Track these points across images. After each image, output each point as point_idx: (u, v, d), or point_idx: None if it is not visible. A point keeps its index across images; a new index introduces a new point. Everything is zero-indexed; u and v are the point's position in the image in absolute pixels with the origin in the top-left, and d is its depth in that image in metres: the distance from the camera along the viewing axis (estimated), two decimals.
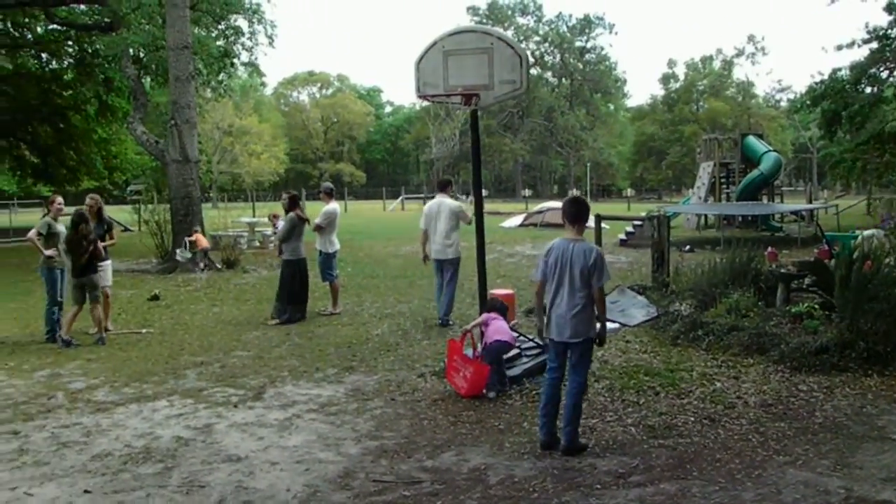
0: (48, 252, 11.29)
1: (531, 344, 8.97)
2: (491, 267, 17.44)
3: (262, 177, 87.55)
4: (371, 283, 16.93)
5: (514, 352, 8.65)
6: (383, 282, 17.03)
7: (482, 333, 8.15)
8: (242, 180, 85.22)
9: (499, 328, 8.09)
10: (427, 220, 12.02)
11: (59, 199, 11.82)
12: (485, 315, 8.27)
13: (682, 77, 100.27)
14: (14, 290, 16.86)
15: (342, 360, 9.67)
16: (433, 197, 12.49)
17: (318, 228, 13.20)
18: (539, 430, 6.42)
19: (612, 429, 6.81)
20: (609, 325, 8.17)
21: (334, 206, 13.43)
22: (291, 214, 12.65)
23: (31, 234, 11.42)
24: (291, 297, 12.55)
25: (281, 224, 12.94)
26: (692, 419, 7.03)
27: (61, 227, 11.47)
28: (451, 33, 8.44)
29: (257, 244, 24.10)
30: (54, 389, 8.60)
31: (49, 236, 11.33)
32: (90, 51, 30.68)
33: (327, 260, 13.26)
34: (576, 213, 6.34)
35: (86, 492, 5.72)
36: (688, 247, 21.92)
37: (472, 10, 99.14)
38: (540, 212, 36.54)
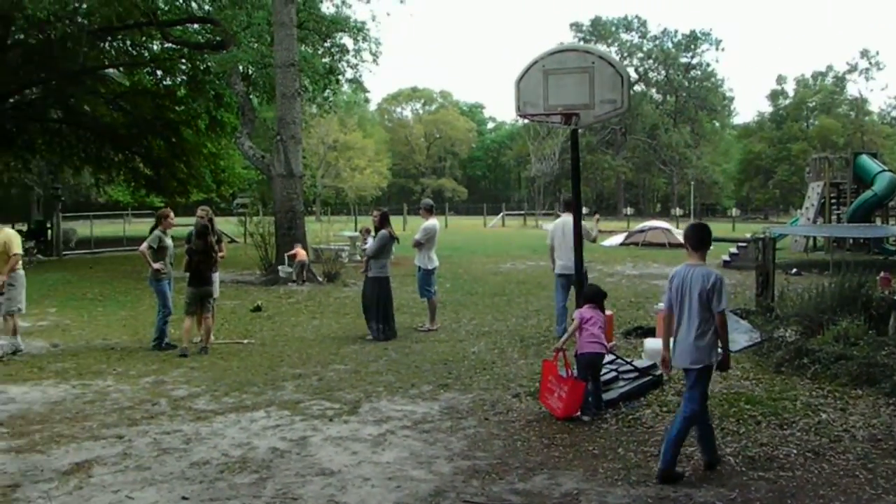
0: (156, 265, 11.71)
1: (629, 367, 8.83)
2: None
3: (364, 191, 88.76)
4: (469, 300, 16.94)
5: (610, 375, 8.52)
6: (481, 299, 17.02)
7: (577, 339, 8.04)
8: (346, 194, 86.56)
9: (591, 336, 7.93)
10: (554, 238, 12.11)
11: (172, 214, 12.28)
12: (578, 314, 8.09)
13: (791, 93, 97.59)
14: (125, 299, 17.49)
15: (438, 378, 9.69)
16: (558, 215, 12.54)
17: (418, 245, 13.29)
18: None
19: None
20: None
21: (434, 222, 13.50)
22: (383, 232, 12.69)
23: (143, 247, 11.86)
24: (385, 315, 12.62)
25: (371, 240, 13.04)
26: (795, 451, 6.78)
27: (169, 241, 11.91)
28: (551, 52, 8.40)
29: (358, 258, 24.41)
30: (158, 396, 8.88)
31: (158, 249, 11.76)
32: (202, 68, 31.67)
33: (426, 276, 13.33)
34: (699, 239, 6.36)
35: (183, 498, 5.87)
36: (794, 270, 21.27)
37: (576, 27, 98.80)
38: (641, 231, 36.01)
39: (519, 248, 32.66)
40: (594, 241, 11.53)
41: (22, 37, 29.94)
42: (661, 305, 11.60)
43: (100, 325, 14.14)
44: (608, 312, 11.72)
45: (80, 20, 26.55)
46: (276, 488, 6.04)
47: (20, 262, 11.59)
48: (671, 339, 6.36)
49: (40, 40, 29.27)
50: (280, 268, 19.17)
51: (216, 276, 12.43)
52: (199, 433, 7.43)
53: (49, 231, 31.62)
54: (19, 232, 31.99)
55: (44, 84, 34.60)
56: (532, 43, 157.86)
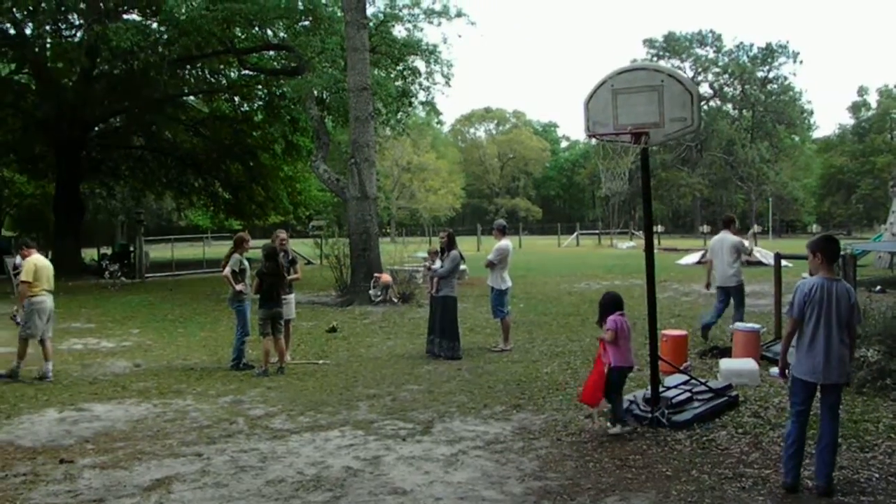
0: (239, 287, 11.99)
1: (703, 388, 8.70)
2: (665, 306, 17.10)
3: (439, 212, 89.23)
4: (543, 320, 16.89)
5: (684, 395, 8.43)
6: (555, 319, 16.95)
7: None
8: (420, 215, 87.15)
9: (617, 351, 7.94)
10: (713, 253, 13.56)
11: (249, 237, 12.59)
12: (613, 322, 8.06)
13: (874, 105, 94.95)
14: (204, 320, 17.92)
15: (510, 398, 9.69)
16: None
17: (490, 265, 13.33)
18: (786, 474, 6.32)
19: None
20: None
21: (506, 242, 13.53)
22: (455, 252, 12.76)
23: (227, 272, 12.15)
24: (452, 334, 12.68)
25: (438, 261, 13.12)
26: (876, 475, 6.60)
27: (247, 264, 12.19)
28: (620, 71, 8.38)
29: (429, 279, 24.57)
30: (236, 415, 9.08)
31: (238, 272, 12.04)
32: (277, 93, 32.41)
33: (499, 296, 13.35)
34: (833, 251, 6.44)
35: None
36: (878, 287, 20.66)
37: (649, 43, 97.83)
38: None
39: (593, 268, 32.41)
40: (749, 254, 12.10)
41: (106, 68, 30.98)
42: (738, 325, 11.49)
43: (180, 346, 14.53)
44: (682, 332, 11.66)
45: (160, 50, 27.37)
46: None
47: (35, 290, 11.56)
48: (800, 351, 6.39)
49: (123, 70, 30.27)
50: (371, 292, 19.46)
51: (292, 298, 12.63)
52: (275, 452, 7.57)
53: (132, 254, 32.53)
54: (104, 255, 33.14)
55: (127, 112, 35.81)
56: (605, 60, 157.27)
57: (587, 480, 6.61)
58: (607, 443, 7.63)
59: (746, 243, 14.01)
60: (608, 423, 8.00)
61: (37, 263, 11.71)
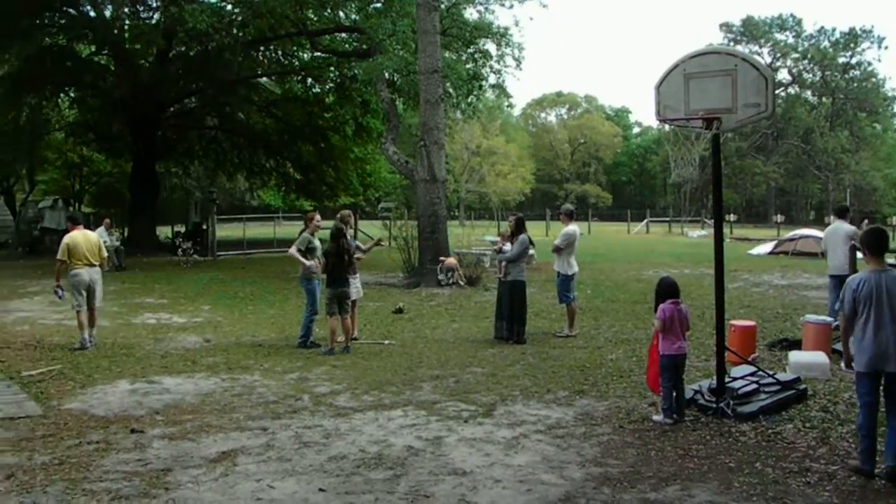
0: (309, 262, 12.11)
1: (771, 380, 8.55)
2: (734, 297, 16.84)
3: (508, 196, 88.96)
4: (609, 307, 16.76)
5: (751, 387, 8.30)
6: (622, 306, 16.80)
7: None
8: (489, 199, 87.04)
9: (665, 339, 7.90)
10: (826, 242, 13.73)
11: (318, 216, 12.73)
12: (660, 310, 8.01)
13: None
14: (273, 298, 18.21)
15: (574, 384, 9.66)
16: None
17: (557, 250, 13.28)
18: (863, 462, 6.33)
19: (856, 480, 6.32)
20: None
21: (574, 227, 13.45)
22: (523, 236, 12.73)
23: (293, 251, 12.30)
24: (519, 319, 12.67)
25: (508, 246, 13.09)
26: None
27: (317, 243, 12.33)
28: (692, 55, 8.25)
29: (497, 263, 24.54)
30: (301, 392, 9.23)
31: (307, 251, 12.19)
32: (349, 76, 32.65)
33: (565, 282, 13.29)
34: (878, 245, 6.49)
35: (321, 490, 6.10)
36: None
37: (726, 27, 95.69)
38: (792, 239, 34.61)
39: (663, 256, 32.04)
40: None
41: (182, 49, 31.54)
42: (811, 317, 11.26)
43: (249, 323, 14.80)
44: (751, 323, 11.47)
45: (235, 32, 27.77)
46: (410, 485, 6.19)
47: (71, 264, 12.13)
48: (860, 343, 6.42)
49: (198, 52, 30.80)
50: (440, 277, 19.54)
51: (358, 278, 12.73)
52: (338, 429, 7.68)
53: (205, 233, 33.17)
54: (177, 233, 33.87)
55: (201, 93, 36.42)
56: (680, 45, 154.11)
57: (648, 468, 6.56)
58: (670, 432, 7.55)
59: (860, 233, 13.88)
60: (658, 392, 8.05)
61: (69, 243, 12.20)
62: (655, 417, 7.91)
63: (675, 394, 7.87)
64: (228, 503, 5.86)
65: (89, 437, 7.43)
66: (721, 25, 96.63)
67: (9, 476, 6.39)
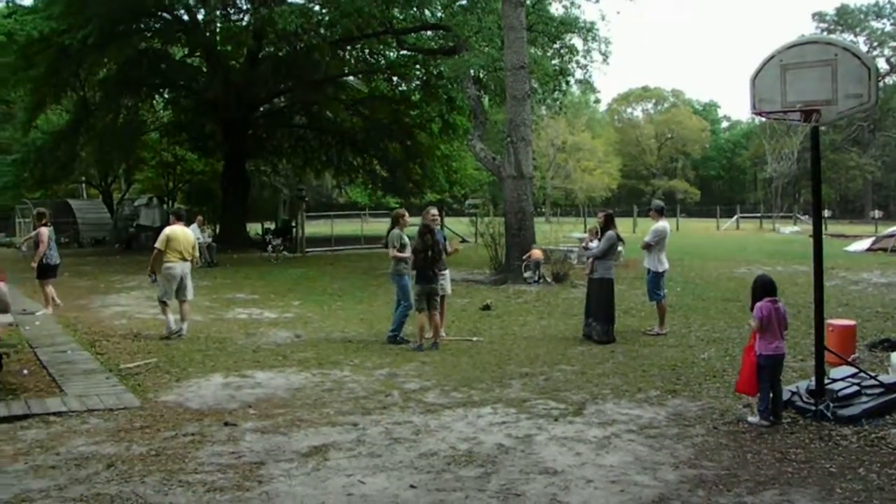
0: (403, 255, 12.16)
1: (873, 382, 8.25)
2: (831, 295, 16.31)
3: (594, 192, 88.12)
4: (700, 304, 16.40)
5: (852, 389, 8.02)
6: (713, 304, 16.43)
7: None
8: (575, 196, 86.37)
9: (763, 338, 7.67)
10: None
11: (406, 213, 12.81)
12: (757, 308, 7.77)
13: None
14: (362, 294, 18.37)
15: (665, 383, 9.49)
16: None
17: (647, 247, 13.08)
18: None
19: None
20: None
21: (664, 224, 13.23)
22: (611, 233, 12.59)
23: (393, 252, 12.37)
24: (608, 317, 12.51)
25: (595, 242, 12.94)
26: None
27: (407, 240, 12.40)
28: (789, 46, 8.00)
29: (585, 260, 24.31)
30: (390, 388, 9.29)
31: (400, 248, 12.26)
32: (435, 73, 32.78)
33: (656, 279, 13.08)
34: None
35: (411, 486, 6.12)
36: None
37: (819, 17, 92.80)
38: (891, 235, 33.38)
39: (754, 253, 31.26)
40: None
41: (271, 50, 32.08)
42: None
43: (338, 319, 14.96)
44: (850, 322, 11.09)
45: (322, 32, 28.13)
46: (501, 483, 6.16)
47: (166, 257, 12.76)
48: None
49: (287, 52, 31.29)
50: (525, 275, 19.47)
51: (446, 274, 12.73)
52: (428, 425, 7.70)
53: (293, 229, 33.69)
54: (267, 230, 34.49)
55: (290, 93, 37.04)
56: (770, 36, 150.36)
57: (745, 472, 6.39)
58: (766, 434, 7.35)
59: None
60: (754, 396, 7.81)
61: (169, 234, 12.84)
62: (751, 419, 7.71)
63: (771, 395, 7.66)
64: (320, 497, 5.91)
65: (185, 430, 7.60)
66: (814, 15, 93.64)
67: (109, 465, 6.59)
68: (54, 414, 8.12)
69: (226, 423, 7.76)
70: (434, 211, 12.70)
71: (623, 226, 13.37)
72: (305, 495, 5.94)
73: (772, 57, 8.01)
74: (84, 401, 8.57)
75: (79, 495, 5.96)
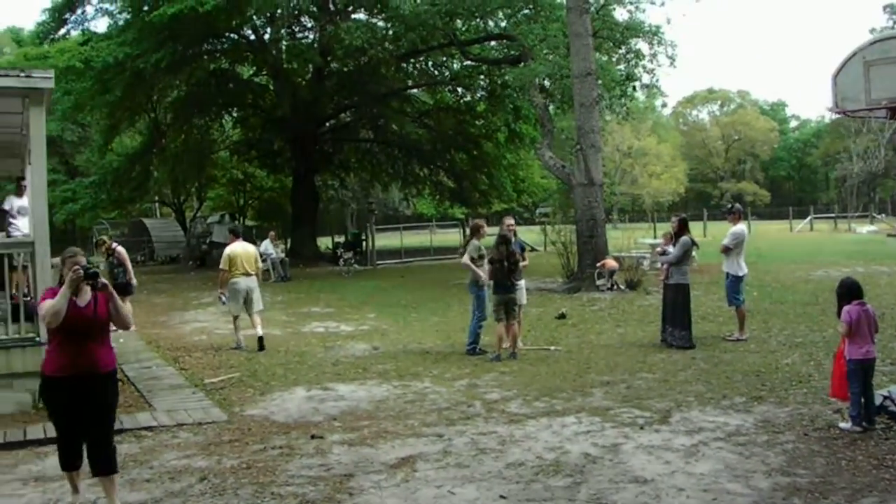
0: (481, 274, 12.17)
1: None
2: None
3: (661, 197, 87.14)
4: (779, 308, 16.09)
5: None
6: (792, 308, 16.10)
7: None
8: (642, 201, 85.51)
9: (852, 342, 7.50)
10: None
11: (484, 224, 12.84)
12: (844, 313, 7.57)
13: None
14: (435, 305, 18.44)
15: (750, 389, 9.33)
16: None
17: (726, 250, 12.89)
18: None
19: None
20: None
21: (742, 227, 13.04)
22: (685, 238, 12.45)
23: (466, 259, 12.41)
24: (685, 322, 12.35)
25: (670, 248, 12.80)
26: None
27: (484, 251, 12.41)
28: (872, 42, 7.86)
29: (659, 266, 24.04)
30: (472, 399, 9.31)
31: (477, 258, 12.28)
32: (499, 83, 32.82)
33: (735, 283, 12.89)
34: None
35: (501, 497, 6.13)
36: None
37: (891, 9, 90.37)
38: None
39: (831, 255, 30.52)
40: None
41: (336, 66, 32.43)
42: None
43: (414, 330, 15.04)
44: None
45: (388, 46, 28.37)
46: (591, 493, 6.13)
47: (230, 275, 13.33)
48: None
49: (352, 68, 31.62)
50: (598, 283, 19.36)
51: (522, 284, 12.71)
52: (513, 435, 7.69)
53: (364, 243, 33.99)
54: (337, 243, 34.78)
55: (356, 107, 37.43)
56: (838, 31, 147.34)
57: (840, 479, 6.25)
58: (860, 440, 7.18)
59: None
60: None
61: (230, 253, 13.46)
62: (843, 425, 7.53)
63: (863, 400, 7.48)
64: None
65: (273, 442, 7.72)
66: (885, 7, 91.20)
67: (202, 478, 6.73)
68: (145, 428, 8.33)
69: (312, 436, 7.86)
70: (510, 220, 12.72)
71: (693, 230, 13.19)
72: None
73: (854, 54, 7.87)
74: (173, 415, 8.78)
75: None
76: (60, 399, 5.87)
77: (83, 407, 5.83)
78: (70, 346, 5.79)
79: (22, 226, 13.62)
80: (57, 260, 6.51)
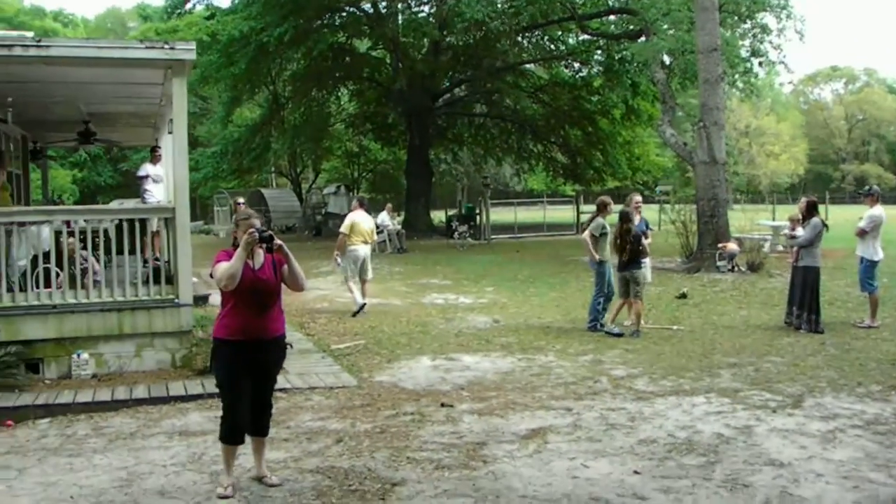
0: (597, 256, 12.10)
1: None
2: None
3: (778, 178, 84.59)
4: None
5: None
6: None
7: None
8: (759, 182, 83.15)
9: None
10: None
11: (611, 202, 12.72)
12: None
13: None
14: (553, 281, 18.39)
15: (886, 378, 9.03)
16: None
17: (862, 233, 12.47)
18: None
19: None
20: None
21: (879, 210, 12.55)
22: (816, 220, 12.10)
23: (586, 235, 12.36)
24: (814, 306, 12.02)
25: (800, 230, 12.45)
26: None
27: (609, 228, 12.33)
28: None
29: (780, 248, 23.40)
30: (598, 374, 9.31)
31: (599, 236, 12.21)
32: (617, 58, 32.36)
33: (869, 268, 12.45)
34: None
35: (635, 472, 6.13)
36: None
37: None
38: None
39: None
40: None
41: (451, 39, 32.48)
42: None
43: (533, 305, 15.06)
44: None
45: (507, 20, 28.27)
46: (726, 473, 6.08)
47: (350, 241, 13.92)
48: None
49: (467, 42, 31.62)
50: (719, 264, 18.99)
51: (647, 262, 12.56)
52: (642, 412, 7.68)
53: (478, 217, 34.10)
54: (451, 216, 35.02)
55: (470, 81, 37.44)
56: None
57: None
58: None
59: None
60: None
61: (353, 220, 14.07)
62: None
63: None
64: (546, 479, 6.02)
65: (403, 409, 7.90)
66: None
67: (338, 440, 6.95)
68: (280, 390, 8.58)
69: (442, 405, 8.00)
70: (638, 198, 12.64)
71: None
72: (532, 476, 6.06)
73: None
74: (305, 379, 9.07)
75: (314, 467, 6.31)
76: (231, 362, 5.81)
77: (252, 370, 5.83)
78: (243, 310, 5.77)
79: (156, 192, 14.23)
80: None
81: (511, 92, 36.59)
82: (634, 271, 11.80)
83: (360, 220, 14.11)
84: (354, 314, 13.59)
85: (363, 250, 14.00)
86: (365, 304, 13.85)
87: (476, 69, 35.36)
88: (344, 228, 14.08)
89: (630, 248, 11.73)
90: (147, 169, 14.59)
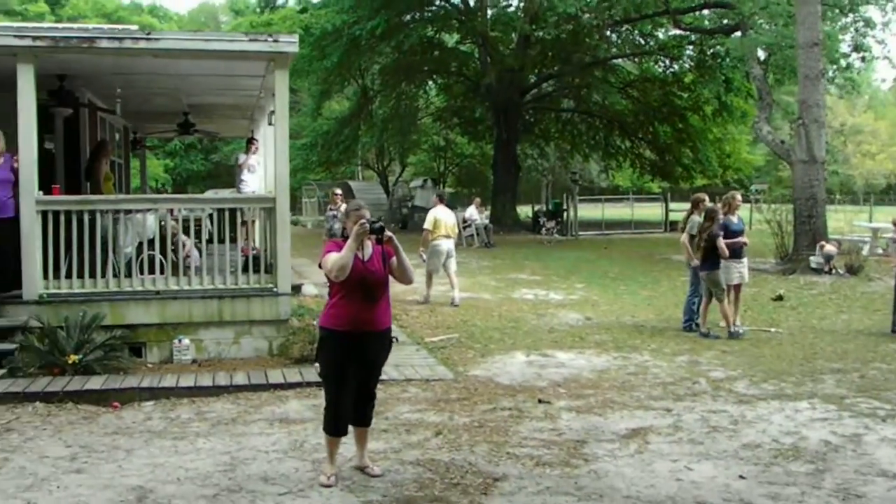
0: (694, 262, 11.83)
1: None
2: None
3: (874, 179, 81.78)
4: None
5: None
6: None
7: None
8: (854, 182, 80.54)
9: None
10: None
11: (707, 199, 12.44)
12: None
13: None
14: (644, 279, 18.15)
15: None
16: None
17: None
18: None
19: None
20: None
21: None
22: None
23: (684, 238, 12.14)
24: None
25: None
26: None
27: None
28: None
29: (880, 251, 22.64)
30: (696, 375, 9.15)
31: (696, 235, 11.93)
32: (709, 53, 31.72)
33: None
34: None
35: (741, 477, 6.00)
36: None
37: None
38: None
39: None
40: None
41: (540, 34, 32.32)
42: None
43: (625, 303, 14.90)
44: None
45: (600, 14, 27.99)
46: (836, 482, 5.90)
47: (433, 236, 14.36)
48: None
49: (555, 37, 31.36)
50: (812, 258, 18.46)
51: (744, 262, 12.25)
52: (744, 416, 7.51)
53: (565, 213, 33.89)
54: (538, 212, 34.87)
55: (558, 76, 37.17)
56: None
57: None
58: None
59: None
60: None
61: (436, 215, 14.48)
62: None
63: None
64: (649, 480, 5.93)
65: (501, 404, 7.89)
66: None
67: (437, 433, 6.97)
68: None
69: (539, 401, 7.95)
70: (739, 197, 12.33)
71: None
72: (634, 477, 5.98)
73: None
74: (401, 370, 9.11)
75: (415, 459, 6.34)
76: (337, 352, 5.84)
77: (358, 362, 5.85)
78: (352, 301, 5.76)
79: (251, 182, 14.48)
80: None
81: (600, 87, 36.22)
82: (709, 272, 11.50)
83: (442, 215, 14.55)
84: (422, 303, 14.29)
85: (446, 245, 14.44)
86: (455, 302, 14.17)
87: (565, 64, 35.09)
88: (427, 224, 14.54)
89: (704, 247, 11.46)
90: (242, 159, 14.88)
